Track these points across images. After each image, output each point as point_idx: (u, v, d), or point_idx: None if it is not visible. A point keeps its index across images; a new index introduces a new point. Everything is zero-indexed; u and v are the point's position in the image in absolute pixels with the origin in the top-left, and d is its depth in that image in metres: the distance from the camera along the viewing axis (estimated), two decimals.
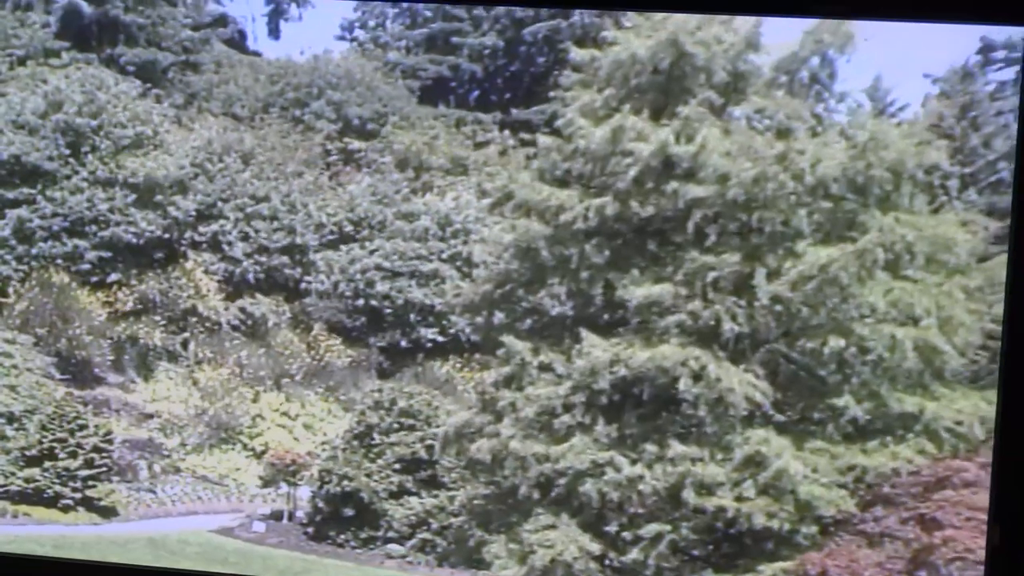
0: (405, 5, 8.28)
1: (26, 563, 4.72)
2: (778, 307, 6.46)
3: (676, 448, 6.50)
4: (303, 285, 8.16)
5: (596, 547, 6.58)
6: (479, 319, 7.44)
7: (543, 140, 7.06)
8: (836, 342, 6.46)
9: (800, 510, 6.39)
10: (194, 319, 8.11)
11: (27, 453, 7.46)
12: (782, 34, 6.65)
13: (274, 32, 8.57)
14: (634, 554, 6.52)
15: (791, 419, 6.59)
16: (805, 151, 6.46)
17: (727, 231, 6.57)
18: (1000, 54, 6.88)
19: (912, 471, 6.38)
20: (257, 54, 8.58)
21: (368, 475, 7.43)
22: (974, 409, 6.46)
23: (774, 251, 6.51)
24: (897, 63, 6.78)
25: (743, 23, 6.66)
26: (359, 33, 8.61)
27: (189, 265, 8.15)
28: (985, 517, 5.87)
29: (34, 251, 8.02)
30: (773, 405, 6.53)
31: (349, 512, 7.44)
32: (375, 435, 7.51)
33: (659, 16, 6.68)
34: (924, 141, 6.62)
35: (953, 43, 6.90)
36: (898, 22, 3.56)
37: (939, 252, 6.54)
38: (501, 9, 8.19)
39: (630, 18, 7.05)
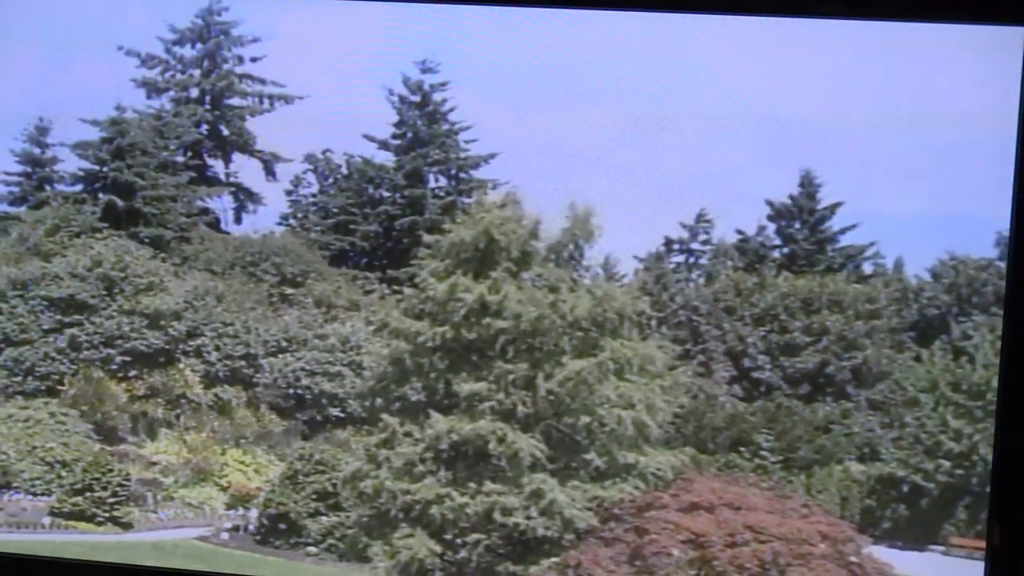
0: (319, 205, 8.85)
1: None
2: (551, 397, 7.36)
3: (488, 486, 7.29)
4: (254, 380, 8.86)
5: (439, 548, 7.30)
6: (366, 403, 8.15)
7: (407, 291, 7.90)
8: (586, 419, 7.40)
9: (565, 524, 7.23)
10: (184, 401, 8.76)
11: (74, 487, 8.21)
12: (551, 229, 7.70)
13: (237, 220, 9.15)
14: (463, 553, 7.30)
15: (559, 467, 7.38)
16: (567, 301, 7.43)
17: (520, 349, 7.42)
18: (670, 247, 8.28)
19: (631, 500, 7.31)
20: (227, 232, 9.08)
21: (295, 502, 8.14)
22: (667, 461, 7.49)
23: (548, 362, 7.41)
24: (614, 247, 7.95)
25: (529, 221, 7.65)
26: (292, 221, 9.12)
27: (181, 366, 8.87)
28: (673, 529, 7.10)
29: (82, 356, 8.75)
30: (548, 459, 7.36)
31: (283, 526, 8.14)
32: (300, 476, 8.19)
33: (478, 216, 7.69)
34: (636, 296, 7.67)
35: (649, 239, 8.32)
36: (897, 22, 3.33)
37: (646, 364, 7.56)
38: (381, 208, 8.76)
39: (459, 216, 8.06)
